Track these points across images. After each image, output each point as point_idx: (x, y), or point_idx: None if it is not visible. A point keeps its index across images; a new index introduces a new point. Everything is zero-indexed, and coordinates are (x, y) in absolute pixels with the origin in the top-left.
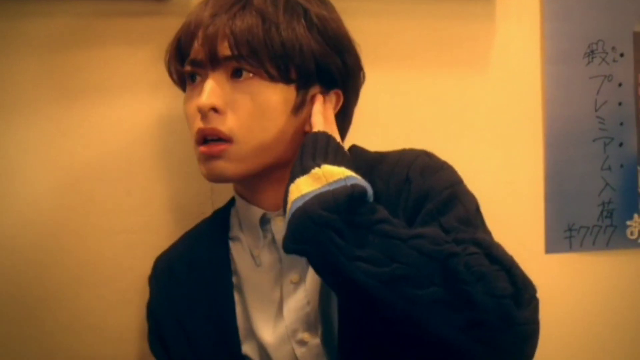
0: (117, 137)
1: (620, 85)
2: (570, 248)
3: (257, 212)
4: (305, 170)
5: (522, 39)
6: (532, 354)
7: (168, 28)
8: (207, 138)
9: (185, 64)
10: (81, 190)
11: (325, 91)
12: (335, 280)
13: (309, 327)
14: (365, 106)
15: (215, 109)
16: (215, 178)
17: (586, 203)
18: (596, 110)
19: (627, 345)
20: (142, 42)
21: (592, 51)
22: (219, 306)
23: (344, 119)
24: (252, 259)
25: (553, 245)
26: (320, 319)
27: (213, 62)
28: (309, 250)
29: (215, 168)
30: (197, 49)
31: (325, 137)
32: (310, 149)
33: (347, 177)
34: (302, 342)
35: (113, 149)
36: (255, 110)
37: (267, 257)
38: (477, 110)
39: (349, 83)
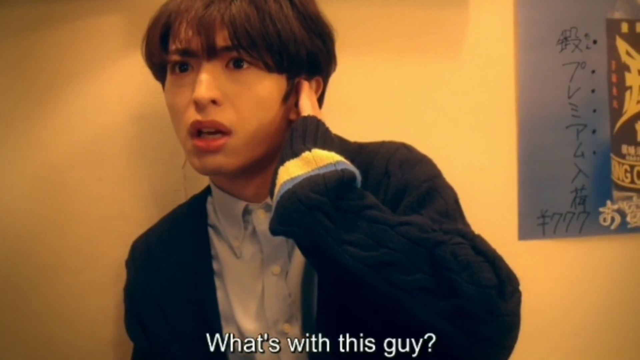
0: (90, 124)
1: (593, 72)
2: (543, 235)
3: (239, 204)
4: (295, 154)
5: (495, 25)
6: (512, 346)
7: (141, 14)
8: (202, 131)
9: (172, 54)
10: (53, 177)
11: (309, 78)
12: (322, 263)
13: (290, 318)
14: (338, 93)
15: (214, 101)
16: (210, 172)
17: (559, 190)
18: (569, 97)
19: (601, 331)
20: (115, 29)
21: (566, 38)
22: (200, 291)
23: (319, 105)
24: (231, 250)
25: (526, 232)
26: (301, 310)
27: (210, 52)
28: (296, 232)
29: (212, 162)
30: (189, 38)
31: (315, 121)
32: (300, 133)
33: (337, 162)
34: (282, 333)
35: (85, 136)
36: (252, 102)
37: (248, 248)
38: (450, 97)
39: (328, 70)
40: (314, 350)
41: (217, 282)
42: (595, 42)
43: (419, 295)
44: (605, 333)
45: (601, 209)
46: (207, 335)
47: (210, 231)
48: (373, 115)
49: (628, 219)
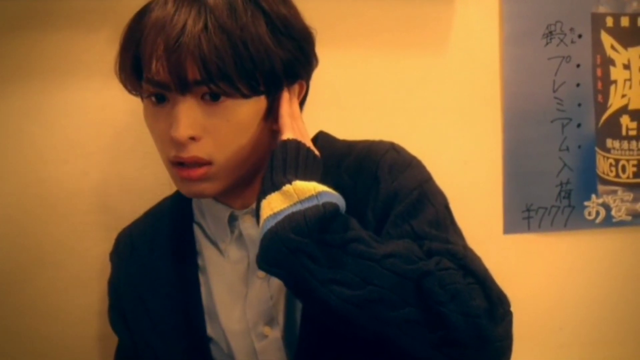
0: (74, 119)
1: (578, 66)
2: (528, 229)
3: (225, 210)
4: (276, 187)
5: (480, 19)
6: None
7: (125, 10)
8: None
9: (146, 82)
10: (38, 171)
11: (289, 84)
12: (308, 302)
13: (270, 321)
14: (323, 88)
15: (192, 138)
16: (196, 197)
17: (544, 184)
18: (554, 91)
19: (586, 325)
20: (98, 24)
21: (551, 32)
22: (184, 286)
23: (302, 102)
24: (217, 249)
25: (511, 225)
26: (284, 314)
27: (182, 88)
28: (281, 274)
29: (196, 189)
30: (161, 73)
31: (295, 146)
32: (280, 162)
33: (319, 194)
34: (262, 336)
35: (70, 130)
36: (231, 131)
37: (235, 251)
38: (435, 91)
39: (309, 71)
40: (298, 353)
41: (202, 279)
42: (580, 36)
43: (407, 328)
44: (591, 327)
45: (586, 203)
46: (190, 330)
47: (196, 228)
48: (358, 110)
49: (613, 212)
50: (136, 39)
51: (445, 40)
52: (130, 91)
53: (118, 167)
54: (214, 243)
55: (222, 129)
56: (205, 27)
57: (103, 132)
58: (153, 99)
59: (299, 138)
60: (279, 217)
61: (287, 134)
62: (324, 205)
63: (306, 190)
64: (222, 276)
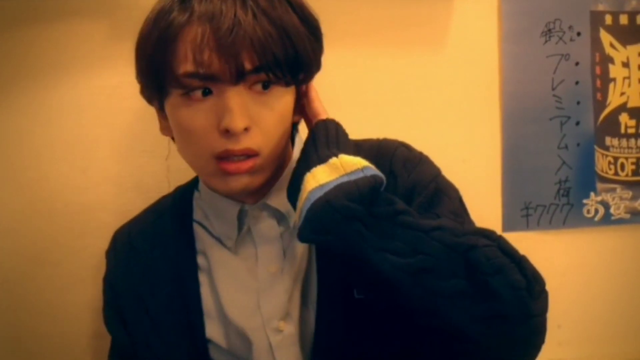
0: (73, 115)
1: (577, 64)
2: (527, 227)
3: (234, 206)
4: (322, 159)
5: (479, 17)
6: (541, 346)
7: (124, 3)
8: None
9: (186, 77)
10: (36, 168)
11: (311, 79)
12: (358, 271)
13: (286, 316)
14: (322, 86)
15: (245, 129)
16: (236, 193)
17: (543, 181)
18: (553, 89)
19: (584, 323)
20: (97, 18)
21: (550, 30)
22: (183, 286)
23: None
24: (222, 247)
25: (510, 223)
26: (298, 309)
27: (238, 77)
28: (332, 241)
29: (237, 184)
30: (214, 64)
31: (335, 125)
32: (323, 138)
33: (364, 168)
34: (277, 331)
35: (69, 128)
36: (275, 121)
37: (242, 248)
38: (434, 88)
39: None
40: (315, 347)
41: (202, 278)
42: (579, 34)
43: (456, 301)
44: (589, 325)
45: (585, 201)
46: (189, 331)
47: (196, 226)
48: (356, 108)
49: (612, 210)
50: (168, 39)
51: (443, 38)
52: (150, 95)
53: (116, 165)
54: (219, 240)
55: (269, 118)
56: (254, 16)
57: (101, 130)
58: (197, 94)
59: None
60: (327, 188)
61: (322, 117)
62: (373, 177)
63: (352, 164)
64: (230, 274)
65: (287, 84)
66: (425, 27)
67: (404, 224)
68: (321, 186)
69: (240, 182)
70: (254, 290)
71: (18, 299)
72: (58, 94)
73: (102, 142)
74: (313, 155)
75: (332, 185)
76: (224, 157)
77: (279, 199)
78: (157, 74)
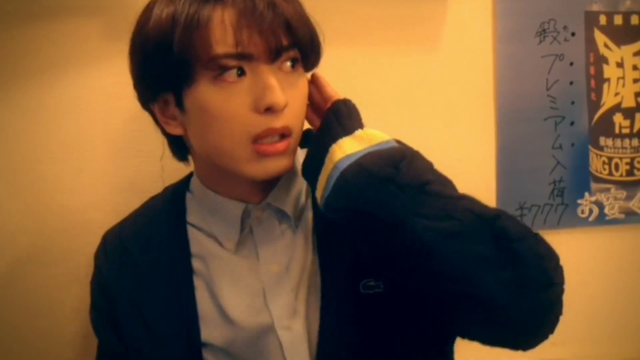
0: (68, 115)
1: (571, 64)
2: None
3: (238, 206)
4: (347, 131)
5: (474, 17)
6: (559, 317)
7: (120, 3)
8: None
9: (219, 59)
10: (31, 169)
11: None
12: (392, 235)
13: (293, 313)
14: None
15: (285, 106)
16: (271, 176)
17: (537, 181)
18: (547, 89)
19: (578, 323)
20: (92, 18)
21: (544, 30)
22: (178, 291)
23: None
24: (221, 248)
25: None
26: (304, 306)
27: (277, 54)
28: (365, 206)
29: (274, 166)
30: (255, 41)
31: (352, 103)
32: (345, 113)
33: (389, 140)
34: (286, 329)
35: (64, 128)
36: (301, 101)
37: (242, 248)
38: (429, 88)
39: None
40: (320, 344)
41: (198, 282)
42: (573, 34)
43: (484, 265)
44: (583, 325)
45: (579, 201)
46: (184, 342)
47: (190, 229)
48: None
49: (606, 210)
50: (198, 23)
51: (438, 38)
52: (158, 91)
53: (111, 165)
54: (217, 242)
55: (297, 98)
56: None
57: (96, 130)
58: (232, 74)
59: None
60: (355, 157)
61: (340, 97)
62: (404, 146)
63: (377, 136)
64: (231, 275)
65: (307, 66)
66: (420, 27)
67: (434, 191)
68: (348, 156)
69: (279, 165)
70: (259, 291)
71: (14, 299)
72: (53, 94)
73: (97, 143)
74: (337, 128)
75: (362, 154)
76: (262, 137)
77: (281, 198)
78: (178, 63)
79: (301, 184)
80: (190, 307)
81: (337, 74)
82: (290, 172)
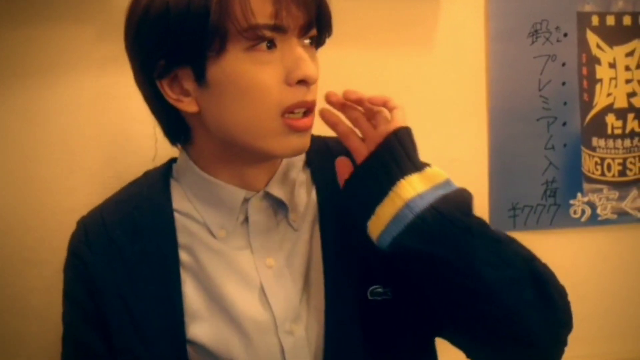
0: (61, 116)
1: (564, 64)
2: (514, 227)
3: (239, 193)
4: (418, 168)
5: (466, 17)
6: None
7: (114, 4)
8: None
9: (259, 28)
10: (23, 170)
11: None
12: (455, 278)
13: (296, 317)
14: None
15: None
16: (294, 153)
17: (530, 182)
18: (540, 90)
19: None
20: (87, 19)
21: (536, 31)
22: (165, 284)
23: None
24: (212, 236)
25: (497, 224)
26: (306, 311)
27: (309, 27)
28: (442, 252)
29: (300, 142)
30: (292, 13)
31: (411, 132)
32: (409, 144)
33: (448, 180)
34: (288, 333)
35: (56, 129)
36: (318, 78)
37: (236, 238)
38: (421, 89)
39: None
40: (326, 350)
41: (185, 275)
42: (565, 35)
43: (531, 309)
44: (576, 324)
45: (572, 202)
46: (169, 338)
47: (178, 217)
48: None
49: (598, 211)
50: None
51: (431, 38)
52: (174, 65)
53: (104, 166)
54: (209, 231)
55: (318, 74)
56: None
57: (89, 130)
58: (263, 46)
59: None
60: (429, 198)
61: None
62: (466, 191)
63: (440, 175)
64: (228, 266)
65: (319, 45)
66: (413, 28)
67: (492, 237)
68: (420, 195)
69: (304, 142)
70: (257, 284)
71: (6, 299)
72: (46, 95)
73: (90, 143)
74: (405, 160)
75: (432, 196)
76: (292, 109)
77: (279, 188)
78: (214, 31)
79: (296, 175)
80: (177, 302)
81: (331, 74)
82: (288, 162)
